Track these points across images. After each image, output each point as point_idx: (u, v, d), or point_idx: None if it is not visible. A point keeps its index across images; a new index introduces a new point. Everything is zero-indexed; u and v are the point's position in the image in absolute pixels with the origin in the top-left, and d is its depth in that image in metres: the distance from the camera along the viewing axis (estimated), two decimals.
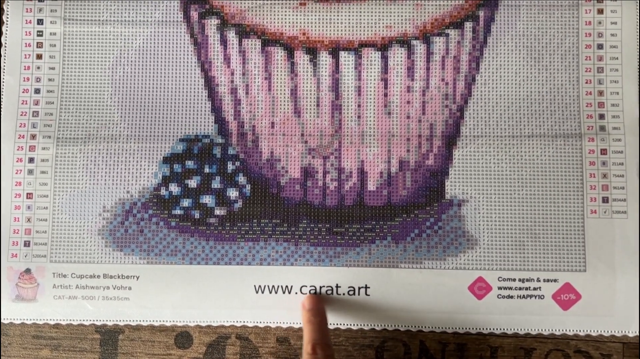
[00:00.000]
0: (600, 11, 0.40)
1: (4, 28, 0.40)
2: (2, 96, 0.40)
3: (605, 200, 0.38)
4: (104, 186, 0.39)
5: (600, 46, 0.39)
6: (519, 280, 0.38)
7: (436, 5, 0.40)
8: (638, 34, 0.39)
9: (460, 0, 0.40)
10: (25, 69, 0.40)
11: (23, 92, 0.40)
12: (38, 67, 0.40)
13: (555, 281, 0.38)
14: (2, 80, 0.40)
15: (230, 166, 0.39)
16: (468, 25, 0.40)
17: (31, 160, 0.39)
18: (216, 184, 0.39)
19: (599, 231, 0.38)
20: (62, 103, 0.40)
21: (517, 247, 0.38)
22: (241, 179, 0.39)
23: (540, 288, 0.38)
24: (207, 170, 0.39)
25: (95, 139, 0.39)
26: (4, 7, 0.40)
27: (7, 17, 0.40)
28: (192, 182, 0.39)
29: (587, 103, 0.39)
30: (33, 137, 0.39)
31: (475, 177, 0.39)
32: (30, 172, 0.39)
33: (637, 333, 0.38)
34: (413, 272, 0.38)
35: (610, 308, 0.38)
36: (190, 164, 0.39)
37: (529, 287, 0.38)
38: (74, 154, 0.39)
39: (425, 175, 0.39)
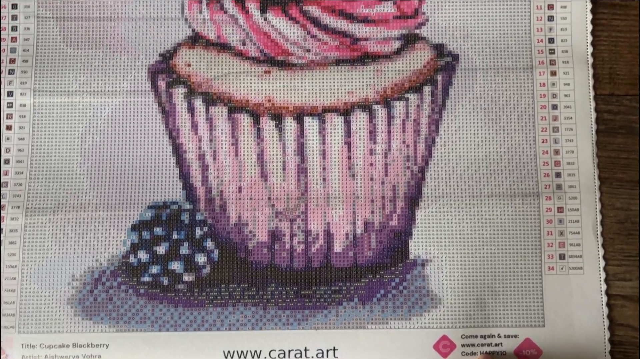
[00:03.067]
0: (554, 73, 0.41)
1: None
2: None
3: (562, 257, 0.39)
4: (73, 254, 0.39)
5: (554, 107, 0.41)
6: (481, 337, 0.39)
7: (395, 71, 0.41)
8: (591, 95, 0.41)
9: (419, 65, 0.41)
10: None
11: None
12: (8, 138, 0.41)
13: (515, 336, 0.39)
14: None
15: (198, 232, 0.40)
16: (427, 89, 0.41)
17: None
18: (184, 249, 0.39)
19: (556, 287, 0.39)
20: (31, 173, 0.40)
21: (479, 304, 0.39)
22: (209, 244, 0.40)
23: (501, 343, 0.39)
24: (175, 236, 0.40)
25: (65, 208, 0.40)
26: None
27: None
28: (161, 249, 0.39)
29: (544, 162, 0.40)
30: (2, 207, 0.40)
31: (438, 237, 0.40)
32: None
33: None
34: (380, 333, 0.39)
35: None
36: (158, 230, 0.40)
37: (491, 343, 0.39)
38: (43, 223, 0.40)
39: (389, 236, 0.40)
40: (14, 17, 0.42)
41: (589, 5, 0.41)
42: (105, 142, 0.41)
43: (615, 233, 0.40)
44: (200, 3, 0.42)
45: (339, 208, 0.40)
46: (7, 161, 0.40)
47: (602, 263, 0.39)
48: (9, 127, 0.41)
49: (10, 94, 0.41)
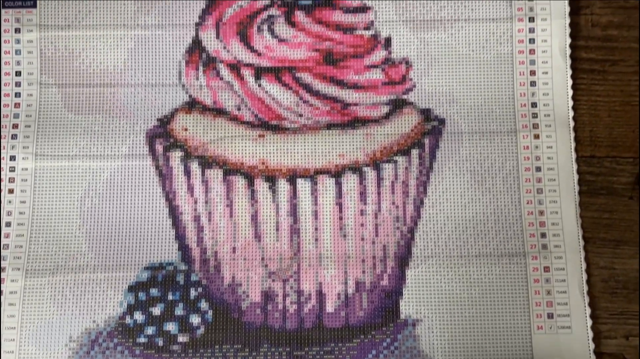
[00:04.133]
0: (537, 136, 0.43)
1: None
2: None
3: (550, 316, 0.40)
4: (71, 316, 0.40)
5: (538, 169, 0.42)
6: None
7: (384, 134, 0.43)
8: (573, 157, 0.42)
9: (407, 129, 0.43)
10: None
11: None
12: (10, 201, 0.42)
13: None
14: None
15: (193, 292, 0.41)
16: (415, 152, 0.43)
17: None
18: (179, 310, 0.40)
19: (545, 346, 0.40)
20: (32, 235, 0.42)
21: None
22: (203, 305, 0.41)
23: None
24: (170, 297, 0.41)
25: (64, 270, 0.41)
26: None
27: None
28: (156, 310, 0.40)
29: (529, 222, 0.42)
30: (3, 269, 0.41)
31: (428, 297, 0.41)
32: None
33: None
34: None
35: None
36: (154, 291, 0.41)
37: None
38: (42, 285, 0.41)
39: (380, 296, 0.41)
40: (18, 84, 0.44)
41: (569, 71, 0.43)
42: (103, 205, 0.42)
43: (600, 292, 0.41)
44: (197, 70, 0.44)
45: (331, 268, 0.41)
46: (8, 224, 0.42)
47: (590, 322, 0.40)
48: (11, 191, 0.42)
49: (12, 158, 0.43)
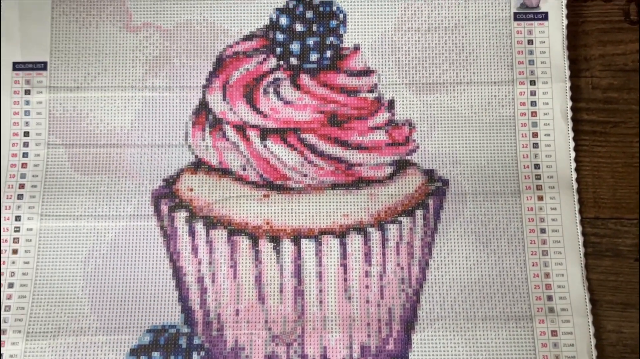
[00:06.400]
0: (540, 198, 0.43)
1: None
2: None
3: None
4: None
5: (543, 230, 0.42)
6: None
7: (389, 195, 0.43)
8: (577, 218, 0.42)
9: (411, 190, 0.43)
10: (1, 264, 0.42)
11: None
12: (13, 262, 0.42)
13: None
14: None
15: (195, 356, 0.40)
16: (419, 213, 0.43)
17: None
18: None
19: None
20: (34, 297, 0.41)
21: None
22: None
23: None
24: None
25: (65, 332, 0.40)
26: None
27: None
28: None
29: (535, 285, 0.41)
30: (3, 332, 0.40)
31: None
32: None
33: None
34: None
35: None
36: (156, 355, 0.40)
37: None
38: (43, 348, 0.40)
39: None
40: (26, 144, 0.44)
41: (571, 133, 0.44)
42: (107, 266, 0.42)
43: (609, 356, 0.40)
44: (204, 131, 0.44)
45: (336, 332, 0.41)
46: (11, 285, 0.41)
47: None
48: (15, 251, 0.42)
49: (18, 218, 0.43)
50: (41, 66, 0.45)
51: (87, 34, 0.45)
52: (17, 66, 0.45)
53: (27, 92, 0.44)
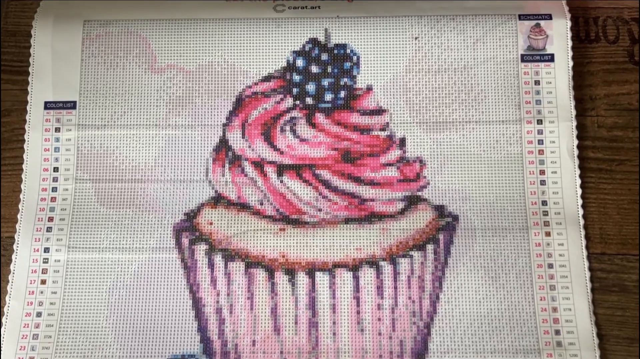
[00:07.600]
0: (548, 234, 0.44)
1: (13, 256, 0.45)
2: (6, 320, 0.43)
3: None
4: None
5: (550, 265, 0.44)
6: None
7: (400, 229, 0.45)
8: (584, 254, 0.44)
9: (422, 225, 0.45)
10: (29, 294, 0.44)
11: (25, 315, 0.43)
12: (41, 292, 0.44)
13: None
14: (7, 304, 0.43)
15: None
16: (430, 247, 0.44)
17: None
18: None
19: None
20: (60, 326, 0.43)
21: None
22: None
23: None
24: None
25: None
26: (15, 237, 0.45)
27: (17, 246, 0.45)
28: None
29: (543, 319, 0.43)
30: None
31: None
32: None
33: None
34: None
35: None
36: None
37: None
38: None
39: None
40: (55, 179, 0.46)
41: (577, 171, 0.45)
42: (130, 297, 0.44)
43: None
44: (224, 167, 0.46)
45: None
46: (39, 314, 0.43)
47: None
48: (43, 281, 0.44)
49: (46, 250, 0.45)
50: (71, 105, 0.47)
51: (114, 75, 0.48)
52: (48, 105, 0.47)
53: (57, 129, 0.47)
